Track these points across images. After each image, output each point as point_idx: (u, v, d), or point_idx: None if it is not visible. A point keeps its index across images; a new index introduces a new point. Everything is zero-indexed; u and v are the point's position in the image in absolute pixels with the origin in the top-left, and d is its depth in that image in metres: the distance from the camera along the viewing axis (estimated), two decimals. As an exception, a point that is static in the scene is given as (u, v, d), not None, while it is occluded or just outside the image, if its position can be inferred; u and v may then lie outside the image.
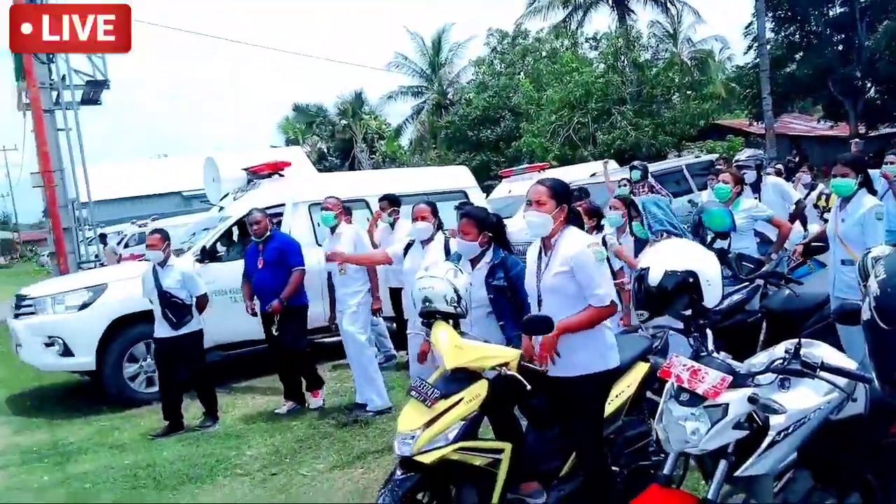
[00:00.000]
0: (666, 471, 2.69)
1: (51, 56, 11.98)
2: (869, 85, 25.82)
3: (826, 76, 25.05)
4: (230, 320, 7.07)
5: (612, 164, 15.54)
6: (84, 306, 6.94)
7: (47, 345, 6.89)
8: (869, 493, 2.70)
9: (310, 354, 6.51)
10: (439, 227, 5.31)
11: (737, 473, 2.44)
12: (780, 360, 2.54)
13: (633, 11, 28.82)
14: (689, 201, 11.15)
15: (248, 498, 4.59)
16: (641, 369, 3.79)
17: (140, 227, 21.84)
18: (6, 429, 6.79)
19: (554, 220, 3.33)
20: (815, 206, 7.72)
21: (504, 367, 3.31)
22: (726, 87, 29.54)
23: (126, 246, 20.85)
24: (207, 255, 7.34)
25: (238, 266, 7.43)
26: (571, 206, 3.49)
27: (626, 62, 24.47)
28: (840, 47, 25.60)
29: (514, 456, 3.40)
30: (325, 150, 39.67)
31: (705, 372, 2.49)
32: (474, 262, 4.10)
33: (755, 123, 27.91)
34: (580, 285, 3.28)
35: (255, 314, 6.28)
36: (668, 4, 28.36)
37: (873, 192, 4.58)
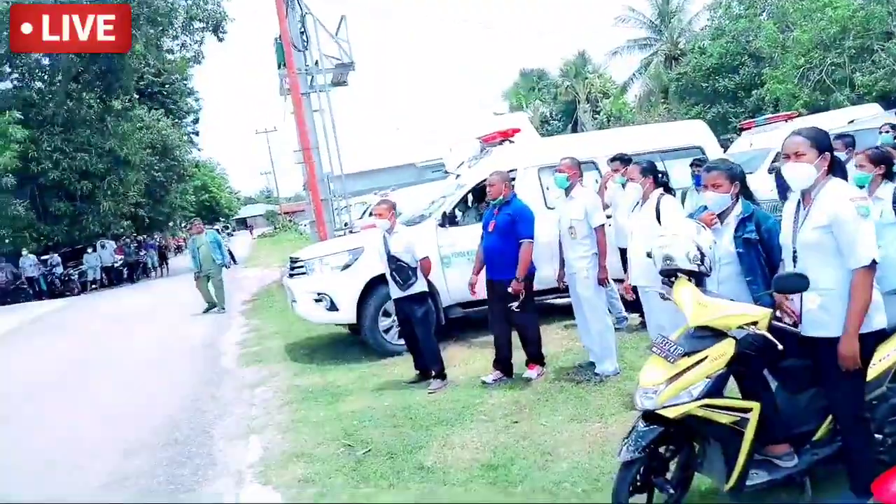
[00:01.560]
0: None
1: (305, 44, 13.38)
2: None
3: None
4: (467, 280, 7.52)
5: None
6: (346, 267, 7.84)
7: (317, 301, 7.91)
8: None
9: (537, 325, 6.44)
10: (660, 185, 5.29)
11: None
12: None
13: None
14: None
15: (494, 442, 4.95)
16: (911, 332, 3.48)
17: (382, 197, 23.78)
18: (288, 372, 7.93)
19: (816, 169, 3.19)
20: None
21: (752, 327, 3.24)
22: None
23: (371, 215, 22.88)
24: (448, 220, 7.87)
25: (474, 230, 7.89)
26: (834, 155, 3.28)
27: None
28: None
29: (762, 416, 3.33)
30: (548, 114, 39.68)
31: None
32: (723, 215, 3.99)
33: None
34: (838, 242, 3.11)
35: (475, 291, 6.44)
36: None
37: None
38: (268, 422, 6.20)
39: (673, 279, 3.59)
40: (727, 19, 27.04)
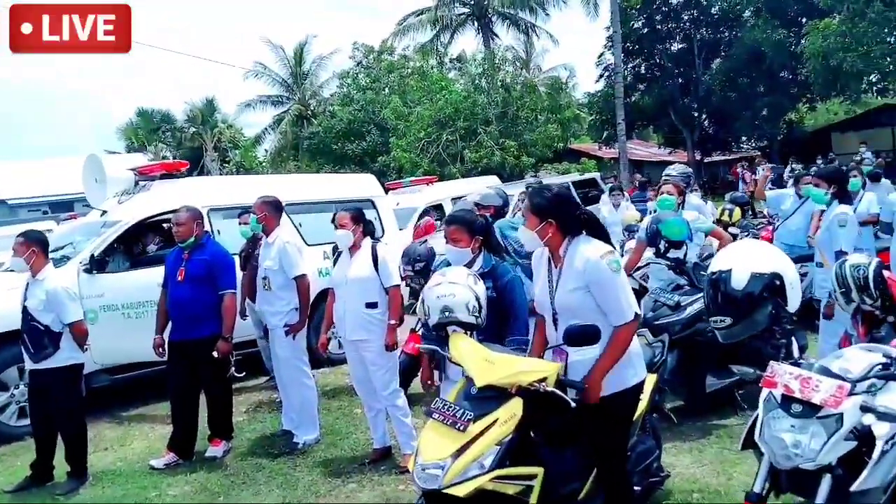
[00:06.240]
0: (757, 488, 2.50)
1: None
2: (704, 116, 28.49)
3: (667, 106, 27.32)
4: (120, 339, 6.17)
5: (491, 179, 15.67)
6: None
7: None
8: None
9: (231, 392, 5.46)
10: (367, 233, 4.98)
11: (854, 488, 2.29)
12: (879, 366, 2.43)
13: (496, 35, 29.73)
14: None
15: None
16: (650, 382, 3.62)
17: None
18: None
19: (540, 236, 3.08)
20: (719, 220, 8.12)
21: (542, 383, 2.98)
22: (574, 113, 31.11)
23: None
24: (96, 265, 6.32)
25: (128, 278, 6.58)
26: (573, 215, 3.14)
27: (490, 83, 25.01)
28: (680, 80, 28.01)
29: (544, 481, 3.08)
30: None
31: (818, 380, 2.33)
32: None
33: (604, 147, 29.78)
34: (598, 302, 3.03)
35: (162, 353, 5.18)
36: (529, 30, 29.56)
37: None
38: None
39: (444, 333, 3.21)
40: (355, 89, 28.73)
